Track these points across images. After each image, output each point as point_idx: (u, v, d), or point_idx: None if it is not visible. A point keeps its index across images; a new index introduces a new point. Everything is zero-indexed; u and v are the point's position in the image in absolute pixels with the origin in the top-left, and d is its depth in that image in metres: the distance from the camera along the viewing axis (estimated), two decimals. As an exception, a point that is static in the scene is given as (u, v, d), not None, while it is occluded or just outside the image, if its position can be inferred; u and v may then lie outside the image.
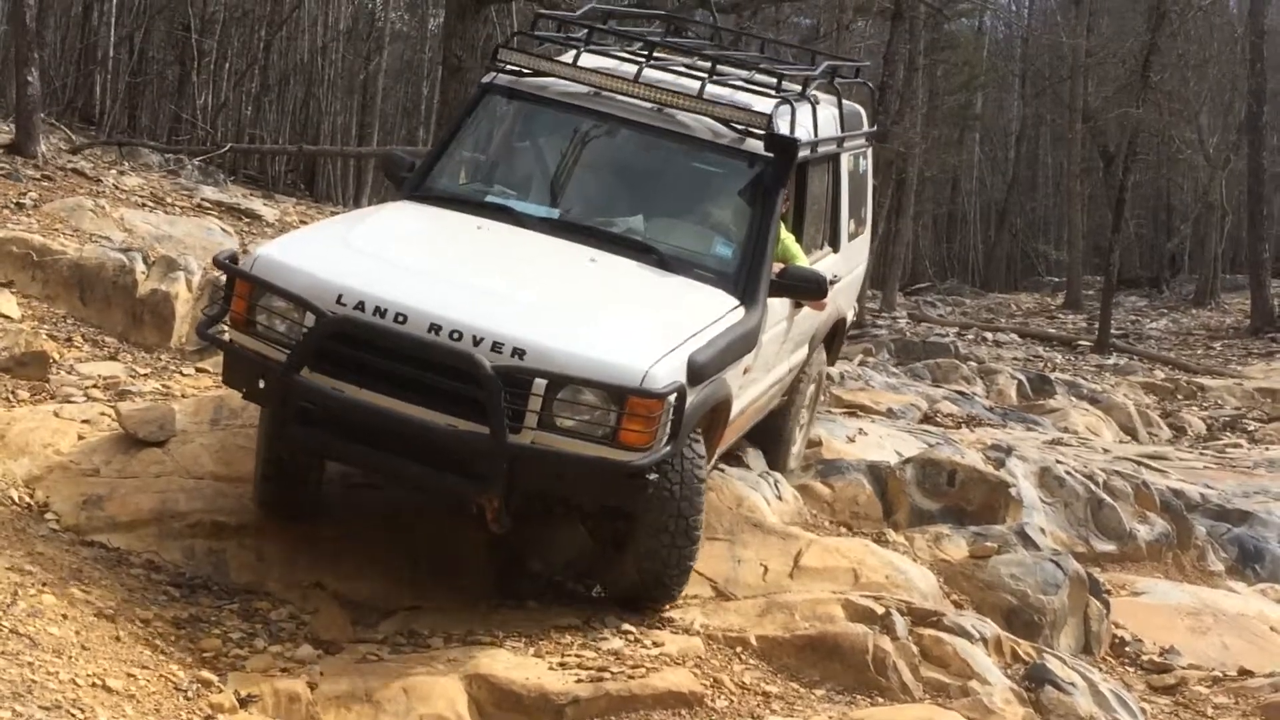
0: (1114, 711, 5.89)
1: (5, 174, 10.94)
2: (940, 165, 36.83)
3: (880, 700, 5.60)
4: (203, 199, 12.93)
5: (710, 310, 6.15)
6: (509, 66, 7.10)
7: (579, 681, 5.32)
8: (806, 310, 7.34)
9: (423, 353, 5.47)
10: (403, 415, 5.49)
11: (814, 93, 7.45)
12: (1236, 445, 14.53)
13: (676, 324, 5.88)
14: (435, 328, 5.47)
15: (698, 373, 5.67)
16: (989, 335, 24.88)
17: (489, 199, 6.89)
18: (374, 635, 5.76)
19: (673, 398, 5.43)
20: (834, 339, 8.79)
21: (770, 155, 6.69)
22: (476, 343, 5.42)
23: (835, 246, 8.09)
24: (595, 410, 5.44)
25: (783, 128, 6.73)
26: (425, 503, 6.37)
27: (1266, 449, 14.10)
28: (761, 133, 6.64)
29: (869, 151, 9.16)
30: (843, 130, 8.08)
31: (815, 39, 30.45)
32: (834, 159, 7.97)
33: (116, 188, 11.95)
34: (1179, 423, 16.04)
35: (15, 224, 9.60)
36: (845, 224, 8.33)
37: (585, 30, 7.50)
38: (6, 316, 8.41)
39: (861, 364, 16.97)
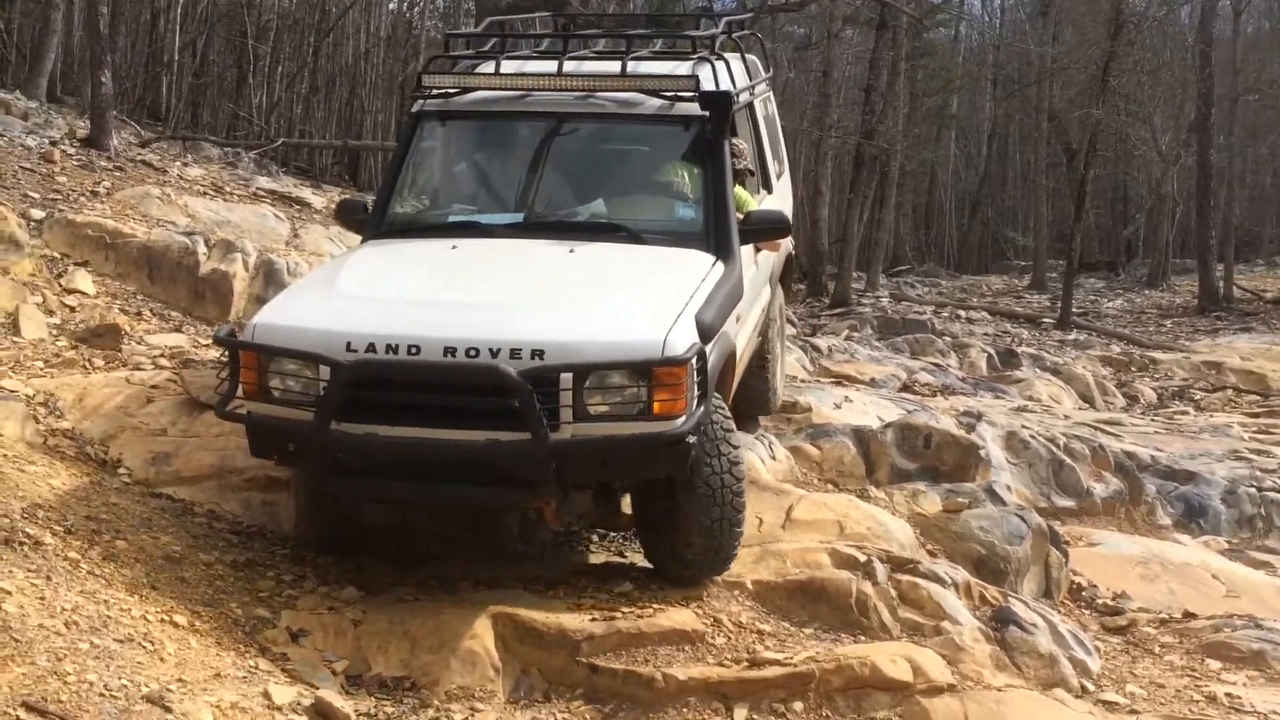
0: (1071, 649, 5.90)
1: (81, 165, 10.93)
2: (919, 160, 36.63)
3: (862, 638, 5.61)
4: (258, 188, 12.90)
5: (695, 271, 5.80)
6: (436, 90, 6.63)
7: (593, 620, 5.34)
8: (765, 252, 7.13)
9: (446, 377, 5.02)
10: (441, 442, 5.03)
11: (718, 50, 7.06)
12: (1184, 413, 14.48)
13: (672, 291, 5.52)
14: (450, 350, 5.01)
15: (706, 331, 5.32)
16: (962, 313, 24.79)
17: (451, 219, 6.43)
18: (410, 579, 5.78)
19: (694, 360, 5.09)
20: (787, 276, 8.64)
21: (705, 113, 6.35)
22: (494, 354, 4.97)
23: (769, 188, 7.80)
24: (625, 390, 5.04)
25: (707, 85, 6.46)
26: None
27: (1211, 416, 14.06)
28: (692, 94, 6.32)
29: (771, 95, 8.90)
30: (750, 79, 7.70)
31: (807, 46, 30.31)
32: (750, 107, 7.65)
33: (181, 178, 11.93)
34: (1132, 392, 15.99)
35: (91, 210, 9.60)
36: (771, 165, 8.07)
37: (496, 40, 7.07)
38: (83, 293, 8.43)
39: (847, 338, 16.93)
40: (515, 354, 4.97)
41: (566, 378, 4.96)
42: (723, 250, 6.06)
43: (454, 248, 6.02)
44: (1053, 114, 33.49)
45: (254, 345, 5.24)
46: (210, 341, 8.29)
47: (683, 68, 6.73)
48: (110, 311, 8.29)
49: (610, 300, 5.42)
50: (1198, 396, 16.11)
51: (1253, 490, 9.13)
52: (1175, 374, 17.73)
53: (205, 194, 11.41)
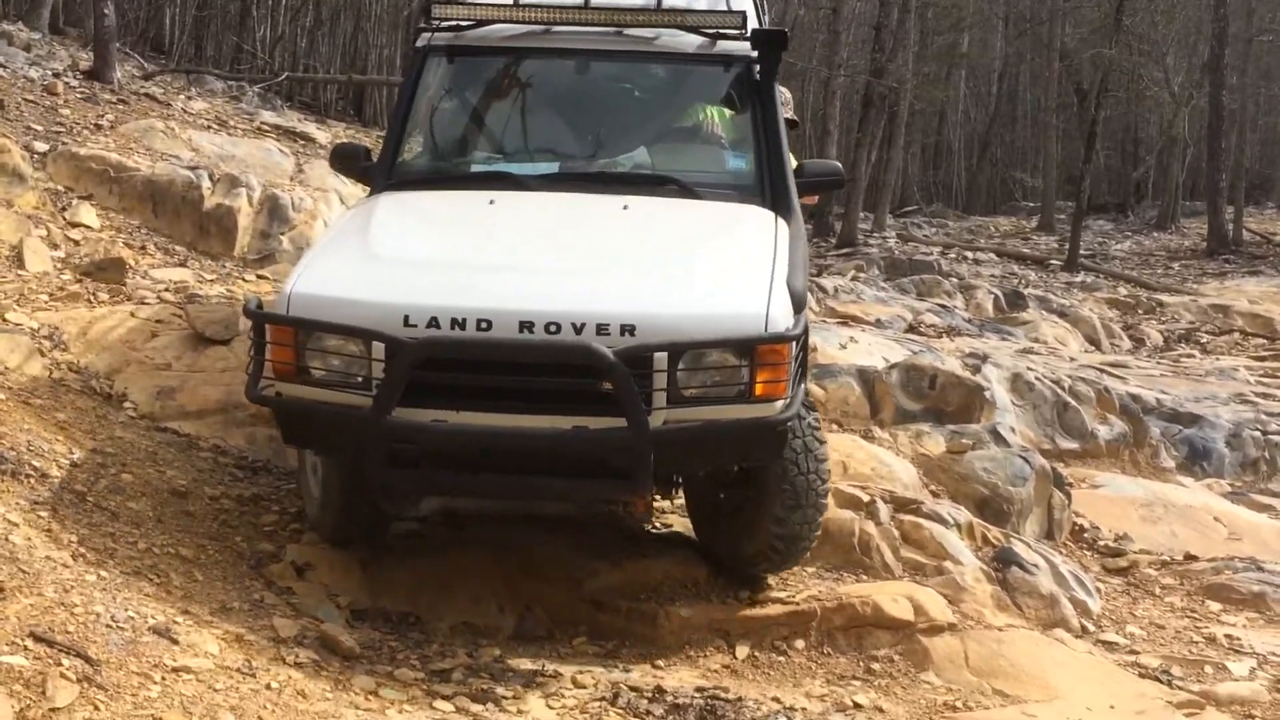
0: (1072, 590, 5.93)
1: (85, 98, 10.85)
2: (929, 100, 36.32)
3: (864, 577, 5.64)
4: (262, 122, 12.82)
5: (763, 230, 5.18)
6: (445, 22, 5.86)
7: (598, 558, 5.37)
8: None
9: (527, 356, 4.40)
10: (522, 430, 4.40)
11: None
12: (1190, 356, 14.47)
13: (752, 255, 4.91)
14: (526, 325, 4.38)
15: (798, 301, 4.71)
16: (969, 254, 24.70)
17: (476, 168, 5.76)
18: (417, 514, 5.79)
19: (797, 338, 4.56)
20: None
21: (754, 53, 5.73)
22: (578, 330, 4.36)
23: None
24: (723, 370, 4.47)
25: (752, 21, 5.82)
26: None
27: (1217, 359, 14.05)
28: (739, 31, 5.68)
29: None
30: (760, 13, 6.77)
31: (818, -18, 29.93)
32: None
33: (184, 111, 11.86)
34: (1139, 335, 15.96)
35: (95, 143, 9.55)
36: None
37: None
38: (87, 226, 8.40)
39: (854, 279, 16.89)
40: (602, 329, 4.38)
41: (661, 357, 4.37)
42: (781, 206, 5.46)
43: (492, 202, 5.33)
44: (1064, 53, 33.19)
45: (291, 319, 4.55)
46: (214, 278, 8.28)
47: (719, 1, 6.10)
48: (114, 245, 8.26)
49: (691, 266, 4.81)
50: (1204, 339, 16.08)
51: (1257, 433, 9.14)
52: (1182, 317, 17.70)
53: (209, 128, 11.34)
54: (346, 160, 5.97)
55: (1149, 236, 30.61)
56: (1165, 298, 19.41)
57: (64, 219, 8.37)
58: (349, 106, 22.61)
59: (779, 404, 4.51)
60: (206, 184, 9.08)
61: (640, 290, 4.58)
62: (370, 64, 24.88)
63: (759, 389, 4.46)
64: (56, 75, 11.21)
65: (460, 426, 4.43)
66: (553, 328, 4.39)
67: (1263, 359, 14.27)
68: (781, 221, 5.33)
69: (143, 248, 8.47)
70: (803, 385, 4.75)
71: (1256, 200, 36.96)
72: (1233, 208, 28.76)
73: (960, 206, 40.13)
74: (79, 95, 10.84)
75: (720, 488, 5.26)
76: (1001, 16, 41.59)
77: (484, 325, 4.39)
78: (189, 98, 13.02)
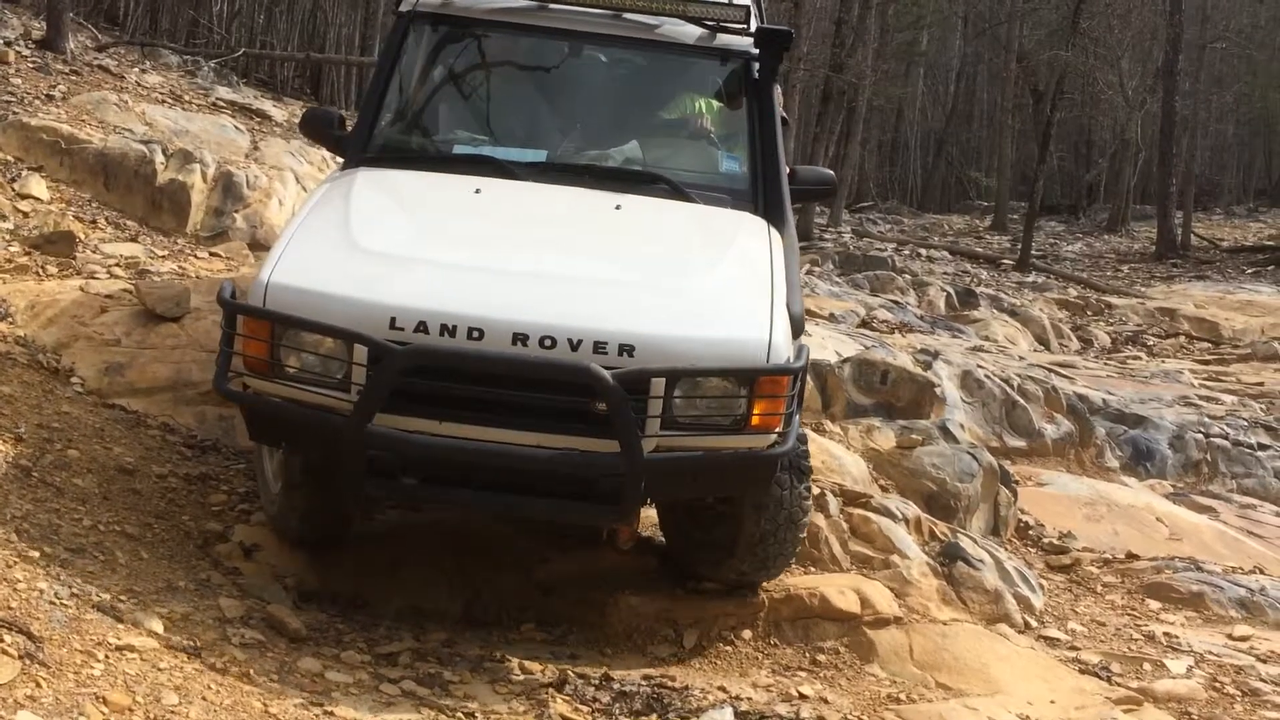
0: (1016, 585, 6.00)
1: (37, 67, 10.68)
2: (887, 96, 36.52)
3: (813, 569, 5.67)
4: (217, 98, 12.67)
5: (759, 243, 4.96)
6: None
7: (549, 546, 5.38)
8: None
9: (524, 371, 4.17)
10: (508, 449, 4.20)
11: None
12: (1136, 358, 14.67)
13: (753, 273, 4.72)
14: (520, 338, 4.16)
15: (797, 325, 4.57)
16: (923, 251, 24.86)
17: (459, 150, 5.45)
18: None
19: (800, 368, 4.43)
20: None
21: (754, 50, 5.51)
22: (574, 346, 4.16)
23: None
24: (721, 398, 4.31)
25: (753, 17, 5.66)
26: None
27: (1162, 362, 14.26)
28: (742, 26, 5.49)
29: None
30: (760, 12, 6.45)
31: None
32: None
33: (138, 84, 11.69)
34: (1087, 335, 16.16)
35: (46, 114, 9.41)
36: None
37: None
38: (37, 198, 8.28)
39: (808, 273, 16.96)
40: (599, 348, 4.18)
41: (659, 382, 4.19)
42: (774, 214, 5.24)
43: (478, 191, 5.04)
44: (1022, 54, 33.47)
45: (267, 313, 4.30)
46: (166, 254, 8.19)
47: None
48: (65, 218, 8.15)
49: (690, 283, 4.61)
50: (1150, 342, 16.31)
51: (1200, 436, 9.28)
52: (1130, 319, 17.92)
53: (164, 102, 11.20)
54: (318, 126, 5.64)
55: (1099, 239, 30.95)
56: (1114, 300, 19.64)
57: (13, 190, 8.25)
58: (306, 85, 22.39)
59: (773, 436, 4.39)
60: (160, 159, 8.98)
61: (638, 308, 4.38)
62: (329, 42, 24.66)
63: (755, 420, 4.32)
64: (8, 44, 11.01)
65: (443, 440, 4.22)
66: (548, 342, 4.18)
67: (1207, 363, 14.50)
68: (775, 233, 5.13)
69: (93, 221, 8.37)
70: (798, 418, 4.56)
71: (1205, 206, 37.48)
72: (1182, 212, 29.13)
73: (915, 204, 40.40)
74: (31, 65, 10.67)
75: (702, 509, 5.09)
76: (961, 16, 41.88)
77: (475, 334, 4.17)
78: (143, 71, 12.83)
